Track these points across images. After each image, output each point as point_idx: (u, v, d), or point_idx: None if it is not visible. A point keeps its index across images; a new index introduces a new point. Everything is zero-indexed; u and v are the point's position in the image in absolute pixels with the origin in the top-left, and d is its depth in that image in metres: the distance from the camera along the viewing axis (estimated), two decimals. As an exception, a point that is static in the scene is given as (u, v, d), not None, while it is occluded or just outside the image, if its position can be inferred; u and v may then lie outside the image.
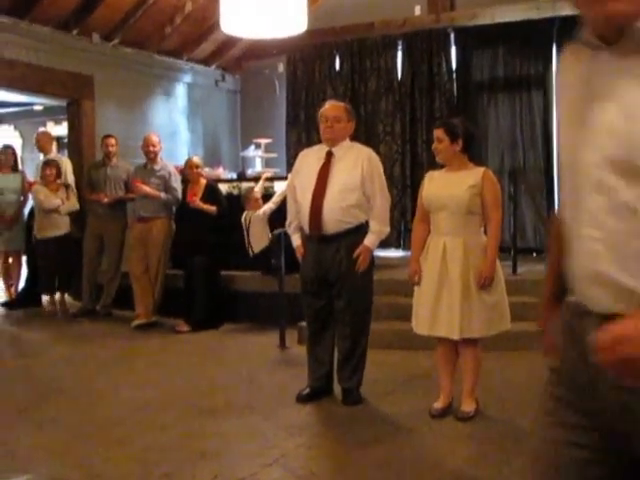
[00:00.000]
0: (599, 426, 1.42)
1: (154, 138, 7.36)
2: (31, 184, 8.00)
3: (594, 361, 1.25)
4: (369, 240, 4.40)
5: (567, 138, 1.46)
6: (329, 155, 4.45)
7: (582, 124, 1.35)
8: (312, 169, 4.45)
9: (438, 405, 4.21)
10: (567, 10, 8.33)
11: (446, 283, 4.03)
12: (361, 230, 4.40)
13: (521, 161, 8.80)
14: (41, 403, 4.62)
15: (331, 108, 4.50)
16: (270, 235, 6.71)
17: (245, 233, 7.04)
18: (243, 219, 7.06)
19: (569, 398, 1.48)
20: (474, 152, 4.42)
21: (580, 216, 1.38)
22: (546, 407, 1.55)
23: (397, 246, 9.23)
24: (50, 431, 4.10)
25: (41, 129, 9.94)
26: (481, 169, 4.16)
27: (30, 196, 7.99)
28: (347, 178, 4.37)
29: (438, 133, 4.14)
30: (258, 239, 6.96)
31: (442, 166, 4.24)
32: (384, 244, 7.81)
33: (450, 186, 4.08)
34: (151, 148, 7.27)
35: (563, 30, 8.36)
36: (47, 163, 7.75)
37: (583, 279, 1.40)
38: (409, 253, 4.57)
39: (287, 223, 4.71)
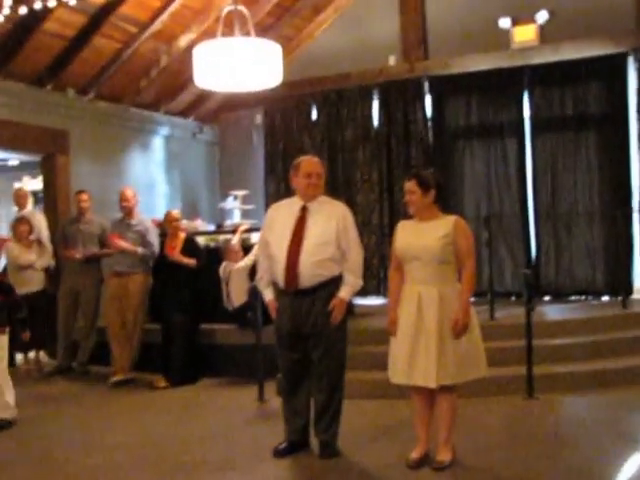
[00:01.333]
0: None
1: (128, 192, 7.30)
2: (4, 241, 7.89)
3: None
4: (343, 292, 4.37)
5: None
6: (304, 209, 4.43)
7: None
8: (286, 224, 4.41)
9: (414, 455, 4.13)
10: (537, 59, 8.54)
11: (422, 332, 3.99)
12: (336, 283, 4.37)
13: (497, 207, 8.84)
14: (7, 467, 4.48)
15: (315, 164, 4.49)
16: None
17: (224, 285, 6.93)
18: (221, 271, 6.98)
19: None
20: (445, 201, 4.42)
21: None
22: None
23: (377, 294, 9.19)
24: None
25: (17, 184, 9.87)
26: (452, 218, 4.13)
27: (3, 253, 7.88)
28: (322, 232, 4.35)
29: (410, 186, 4.11)
30: (239, 293, 6.81)
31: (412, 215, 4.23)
32: (364, 292, 7.79)
33: (422, 236, 4.06)
34: (125, 203, 7.22)
35: (533, 78, 8.58)
36: (19, 220, 7.67)
37: None
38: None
39: (257, 278, 4.67)
